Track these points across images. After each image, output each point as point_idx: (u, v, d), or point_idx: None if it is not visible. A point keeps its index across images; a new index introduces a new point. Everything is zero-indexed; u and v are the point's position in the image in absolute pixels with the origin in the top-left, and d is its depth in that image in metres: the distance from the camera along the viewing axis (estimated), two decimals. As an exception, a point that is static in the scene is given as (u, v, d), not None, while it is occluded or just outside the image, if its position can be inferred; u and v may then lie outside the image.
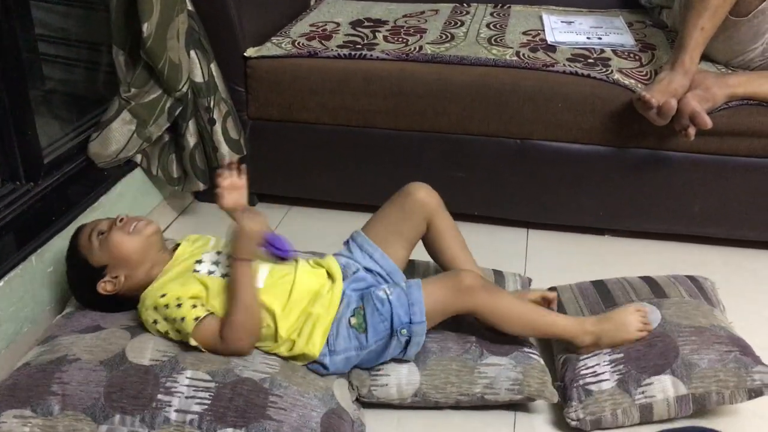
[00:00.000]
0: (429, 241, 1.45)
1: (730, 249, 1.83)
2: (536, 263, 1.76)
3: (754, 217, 1.77)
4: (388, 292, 1.27)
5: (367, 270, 1.39)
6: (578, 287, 1.52)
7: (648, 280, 1.50)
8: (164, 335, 1.27)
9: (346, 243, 1.45)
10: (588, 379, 1.28)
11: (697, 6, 1.64)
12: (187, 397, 1.17)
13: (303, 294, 1.29)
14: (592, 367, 1.30)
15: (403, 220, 1.43)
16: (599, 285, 1.51)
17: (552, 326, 1.34)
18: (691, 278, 1.50)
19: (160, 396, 1.17)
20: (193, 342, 1.22)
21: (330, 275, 1.34)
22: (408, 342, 1.26)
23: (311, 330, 1.26)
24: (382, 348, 1.27)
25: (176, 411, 1.16)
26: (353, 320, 1.27)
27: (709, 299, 1.44)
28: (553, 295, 1.43)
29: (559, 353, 1.38)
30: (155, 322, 1.26)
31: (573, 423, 1.26)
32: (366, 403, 1.31)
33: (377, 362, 1.29)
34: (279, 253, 1.28)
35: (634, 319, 1.32)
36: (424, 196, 1.43)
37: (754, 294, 1.67)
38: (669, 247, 1.84)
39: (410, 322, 1.24)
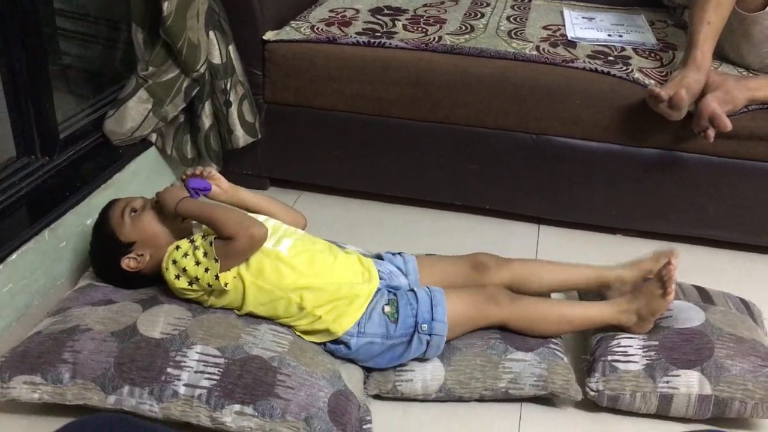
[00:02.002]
0: None
1: (742, 254, 1.82)
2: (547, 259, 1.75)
3: (768, 222, 1.76)
4: (416, 290, 1.32)
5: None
6: None
7: (699, 288, 1.49)
8: (187, 290, 1.28)
9: (393, 254, 1.46)
10: (617, 357, 1.29)
11: (700, 1, 1.64)
12: (196, 372, 1.18)
13: (338, 276, 1.31)
14: (625, 347, 1.30)
15: (463, 283, 1.41)
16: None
17: (585, 315, 1.35)
18: (742, 299, 1.50)
19: (169, 369, 1.18)
20: (218, 269, 1.23)
21: (367, 273, 1.36)
22: (428, 343, 1.27)
23: (344, 310, 1.28)
24: (404, 347, 1.27)
25: (185, 385, 1.17)
26: (387, 308, 1.29)
27: (754, 319, 1.44)
28: (673, 253, 1.38)
29: (596, 333, 1.38)
30: (177, 277, 1.27)
31: (591, 394, 1.27)
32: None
33: (396, 360, 1.29)
34: (202, 192, 1.40)
35: (657, 288, 1.32)
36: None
37: (764, 300, 1.66)
38: (680, 249, 1.81)
39: (432, 319, 1.26)
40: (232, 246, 1.25)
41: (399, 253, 1.46)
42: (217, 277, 1.24)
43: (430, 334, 1.27)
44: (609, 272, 1.43)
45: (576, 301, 1.39)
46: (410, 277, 1.41)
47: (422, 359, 1.30)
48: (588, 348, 1.37)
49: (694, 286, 1.50)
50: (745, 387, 1.25)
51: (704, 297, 1.45)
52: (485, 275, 1.42)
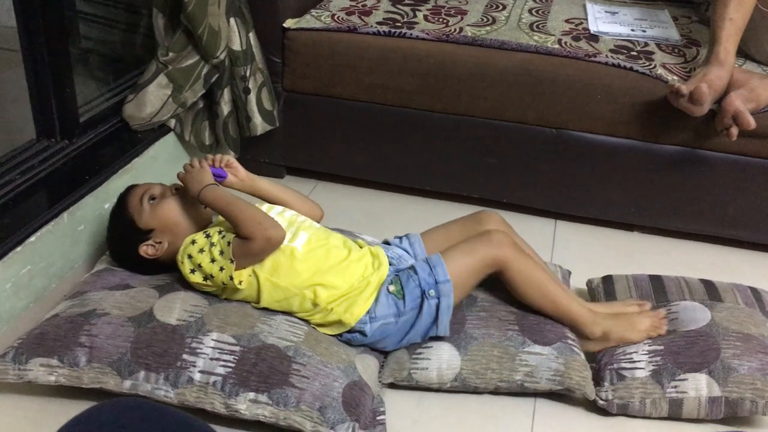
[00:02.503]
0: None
1: (761, 254, 1.80)
2: (563, 255, 1.74)
3: (790, 223, 1.74)
4: (414, 263, 1.34)
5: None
6: (633, 278, 1.51)
7: (707, 283, 1.47)
8: (202, 285, 1.28)
9: (399, 238, 1.46)
10: (623, 364, 1.29)
11: None
12: (211, 359, 1.18)
13: (351, 273, 1.31)
14: (630, 354, 1.30)
15: (466, 237, 1.40)
16: (656, 280, 1.50)
17: (568, 306, 1.34)
18: (753, 288, 1.48)
19: (185, 356, 1.19)
20: (233, 269, 1.23)
21: (377, 261, 1.35)
22: (438, 308, 1.27)
23: (354, 300, 1.28)
24: (416, 316, 1.27)
25: (200, 372, 1.17)
26: (392, 287, 1.30)
27: (765, 311, 1.42)
28: (647, 307, 1.38)
29: None
30: (192, 271, 1.27)
31: (601, 403, 1.27)
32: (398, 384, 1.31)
33: (412, 336, 1.29)
34: (218, 180, 1.38)
35: (645, 321, 1.33)
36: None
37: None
38: (698, 247, 1.82)
39: (436, 282, 1.27)
40: (248, 246, 1.24)
41: (405, 236, 1.46)
42: (231, 278, 1.24)
43: (438, 297, 1.27)
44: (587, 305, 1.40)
45: (567, 290, 1.39)
46: (418, 258, 1.41)
47: (437, 338, 1.30)
48: (593, 355, 1.36)
49: (701, 280, 1.49)
50: (754, 386, 1.24)
51: (711, 293, 1.43)
52: (488, 224, 1.42)
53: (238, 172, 1.44)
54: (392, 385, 1.31)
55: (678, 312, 1.38)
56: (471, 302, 1.37)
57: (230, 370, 1.17)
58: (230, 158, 1.44)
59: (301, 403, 1.15)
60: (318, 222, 1.45)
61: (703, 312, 1.36)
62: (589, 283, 1.55)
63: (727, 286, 1.47)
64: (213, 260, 1.25)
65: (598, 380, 1.29)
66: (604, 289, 1.50)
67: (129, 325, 1.22)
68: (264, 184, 1.46)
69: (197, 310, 1.26)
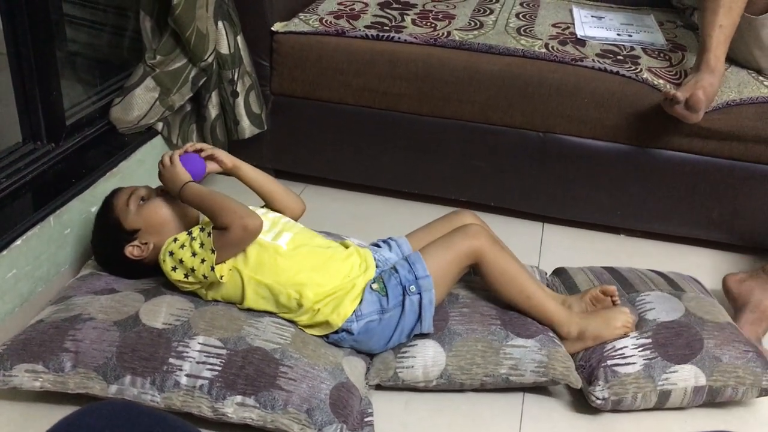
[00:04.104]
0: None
1: (746, 257, 1.81)
2: (550, 258, 1.75)
3: (774, 226, 1.75)
4: (395, 262, 1.36)
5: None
6: (591, 270, 1.54)
7: (660, 274, 1.52)
8: (184, 283, 1.28)
9: (385, 241, 1.47)
10: (616, 361, 1.29)
11: (711, 5, 1.64)
12: (198, 363, 1.18)
13: (336, 271, 1.31)
14: (620, 349, 1.31)
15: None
16: (613, 272, 1.53)
17: (544, 303, 1.35)
18: (693, 278, 1.53)
19: (171, 360, 1.18)
20: (214, 260, 1.23)
21: (364, 263, 1.36)
22: (420, 304, 1.28)
23: (341, 300, 1.28)
24: (399, 314, 1.28)
25: (187, 375, 1.17)
26: (375, 285, 1.31)
27: (714, 299, 1.47)
28: (612, 288, 1.40)
29: None
30: (174, 269, 1.27)
31: (597, 402, 1.27)
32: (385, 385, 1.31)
33: (398, 336, 1.30)
34: (194, 172, 1.36)
35: (620, 318, 1.34)
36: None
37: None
38: (683, 250, 1.83)
39: (416, 278, 1.28)
40: (227, 236, 1.25)
41: (391, 239, 1.47)
42: (212, 269, 1.24)
43: (419, 293, 1.28)
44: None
45: (543, 287, 1.40)
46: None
47: (421, 336, 1.31)
48: (579, 355, 1.35)
49: (653, 271, 1.54)
50: (736, 374, 1.29)
51: (671, 283, 1.48)
52: (464, 221, 1.44)
53: (222, 163, 1.43)
54: (380, 388, 1.32)
55: (653, 302, 1.41)
56: (453, 299, 1.39)
57: (217, 373, 1.17)
58: (213, 150, 1.42)
59: (288, 405, 1.14)
60: (299, 215, 1.47)
61: (676, 302, 1.40)
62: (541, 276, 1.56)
63: (677, 276, 1.52)
64: (194, 254, 1.25)
65: (591, 379, 1.29)
66: (563, 283, 1.52)
67: (114, 329, 1.21)
68: (249, 172, 1.46)
69: (183, 313, 1.25)
